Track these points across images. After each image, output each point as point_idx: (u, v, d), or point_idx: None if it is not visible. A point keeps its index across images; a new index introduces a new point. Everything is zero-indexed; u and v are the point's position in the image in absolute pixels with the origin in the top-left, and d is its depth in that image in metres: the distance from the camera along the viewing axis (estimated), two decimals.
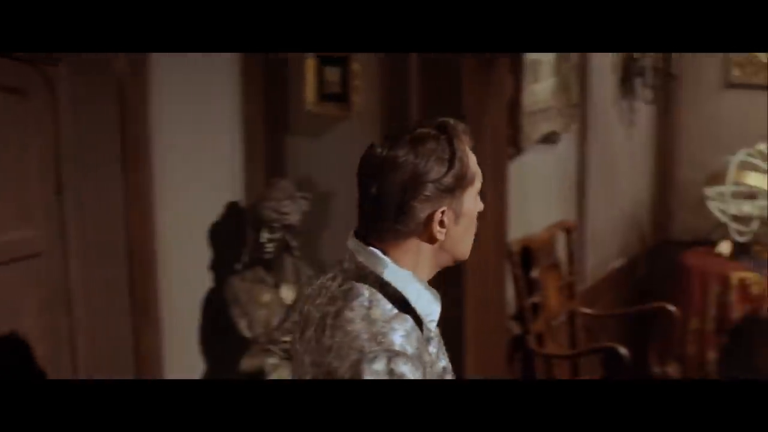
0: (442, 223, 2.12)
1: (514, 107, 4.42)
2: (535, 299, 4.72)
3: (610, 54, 5.78)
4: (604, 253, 6.05)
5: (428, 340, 2.19)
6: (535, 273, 4.72)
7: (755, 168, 6.36)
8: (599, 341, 5.47)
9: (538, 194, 4.97)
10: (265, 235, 3.61)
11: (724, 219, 6.33)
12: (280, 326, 3.67)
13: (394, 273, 2.14)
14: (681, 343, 6.23)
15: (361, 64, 3.69)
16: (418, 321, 2.14)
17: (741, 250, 6.41)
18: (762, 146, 6.38)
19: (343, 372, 2.03)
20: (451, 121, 2.15)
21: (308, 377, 2.16)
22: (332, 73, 3.72)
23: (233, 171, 3.89)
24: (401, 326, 2.09)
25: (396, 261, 2.15)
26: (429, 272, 2.20)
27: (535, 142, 4.74)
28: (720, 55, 6.72)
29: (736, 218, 6.38)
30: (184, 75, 3.73)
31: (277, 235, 3.62)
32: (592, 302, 5.67)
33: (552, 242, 4.98)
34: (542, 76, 4.79)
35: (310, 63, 3.73)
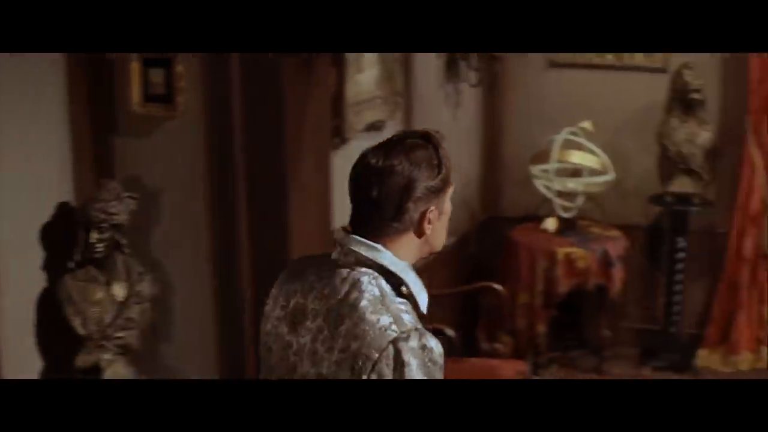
0: (429, 220, 2.55)
1: (337, 99, 4.70)
2: None
3: None
4: None
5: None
6: None
7: (579, 146, 6.80)
8: (432, 320, 5.82)
9: None
10: (94, 236, 3.81)
11: (549, 195, 6.76)
12: (113, 323, 3.88)
13: (395, 264, 2.55)
14: (511, 317, 6.64)
15: (185, 66, 3.91)
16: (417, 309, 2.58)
17: (567, 226, 6.84)
18: (585, 124, 6.81)
19: (381, 353, 2.41)
20: (433, 131, 2.59)
21: (326, 363, 2.51)
22: (156, 75, 3.94)
23: (62, 172, 4.07)
24: (407, 308, 2.52)
25: (393, 253, 2.55)
26: (413, 262, 2.61)
27: (361, 131, 5.04)
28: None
29: (561, 194, 6.81)
30: (10, 76, 3.87)
31: (107, 235, 3.82)
32: (425, 281, 6.01)
33: None
34: (366, 66, 5.08)
35: (135, 65, 3.94)
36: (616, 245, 6.79)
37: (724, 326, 7.25)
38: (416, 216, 2.54)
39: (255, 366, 4.00)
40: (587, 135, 6.83)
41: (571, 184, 6.84)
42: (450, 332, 4.95)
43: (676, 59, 6.91)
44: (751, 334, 7.20)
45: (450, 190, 2.62)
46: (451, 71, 6.40)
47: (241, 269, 3.97)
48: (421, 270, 5.85)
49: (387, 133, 5.41)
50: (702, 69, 6.79)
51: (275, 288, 2.74)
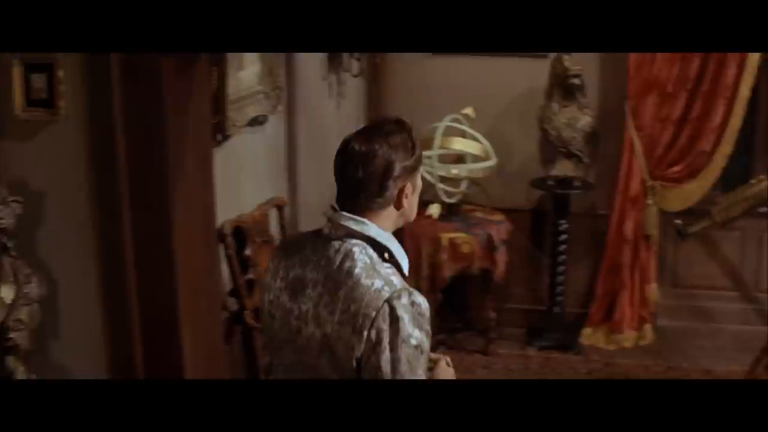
0: (406, 195, 3.08)
1: (218, 97, 4.89)
2: (250, 275, 5.24)
3: None
4: (319, 220, 6.57)
5: None
6: (248, 251, 5.22)
7: (461, 133, 7.08)
8: None
9: (249, 175, 5.45)
10: None
11: (433, 181, 7.01)
12: (2, 325, 4.02)
13: (380, 234, 3.07)
14: None
15: (66, 70, 4.06)
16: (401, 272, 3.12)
17: (451, 211, 7.13)
18: (467, 110, 7.09)
19: (378, 311, 2.91)
20: (404, 119, 3.14)
21: (329, 325, 3.00)
22: (38, 80, 4.09)
23: None
24: (393, 272, 3.03)
25: (377, 226, 3.06)
26: (391, 231, 3.14)
27: (243, 126, 5.24)
28: None
29: (445, 180, 7.08)
30: None
31: None
32: None
33: (265, 220, 5.49)
34: (247, 63, 5.27)
35: (17, 70, 4.07)
36: (500, 229, 7.10)
37: (607, 305, 7.63)
38: (395, 192, 3.06)
39: (143, 362, 4.21)
40: (470, 121, 7.12)
41: (454, 171, 7.12)
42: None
43: None
44: (633, 312, 7.61)
45: (421, 168, 3.18)
46: (334, 62, 6.62)
47: (127, 268, 4.14)
48: None
49: (270, 127, 5.67)
50: (582, 55, 7.07)
51: (272, 262, 3.26)
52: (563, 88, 7.13)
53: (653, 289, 7.66)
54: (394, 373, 2.92)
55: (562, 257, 7.41)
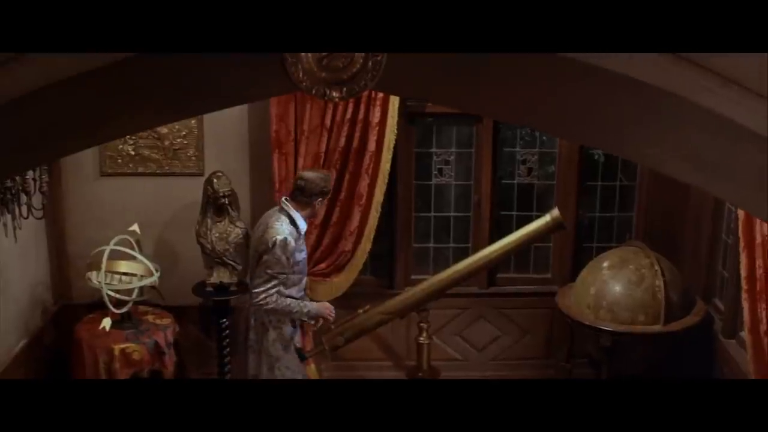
0: (309, 204, 7.97)
1: None
2: None
3: None
4: (4, 347, 8.21)
5: (300, 237, 8.04)
6: None
7: (128, 255, 8.78)
8: None
9: None
10: None
11: (106, 292, 8.59)
12: None
13: (294, 212, 7.86)
14: None
15: None
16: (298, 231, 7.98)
17: (124, 318, 8.80)
18: (133, 227, 8.78)
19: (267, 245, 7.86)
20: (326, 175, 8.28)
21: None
22: None
23: None
24: (290, 230, 7.85)
25: (297, 210, 7.89)
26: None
27: None
28: (95, 149, 9.11)
29: (118, 291, 8.72)
30: None
31: None
32: None
33: None
34: None
35: None
36: (167, 334, 8.88)
37: None
38: (306, 200, 7.89)
39: None
40: (136, 236, 8.80)
41: (123, 285, 8.81)
42: None
43: (209, 167, 9.09)
44: None
45: (327, 196, 8.21)
46: (3, 205, 7.99)
47: None
48: None
49: None
50: (232, 173, 8.94)
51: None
52: (215, 205, 8.78)
53: (312, 370, 9.38)
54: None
55: (227, 349, 9.23)
